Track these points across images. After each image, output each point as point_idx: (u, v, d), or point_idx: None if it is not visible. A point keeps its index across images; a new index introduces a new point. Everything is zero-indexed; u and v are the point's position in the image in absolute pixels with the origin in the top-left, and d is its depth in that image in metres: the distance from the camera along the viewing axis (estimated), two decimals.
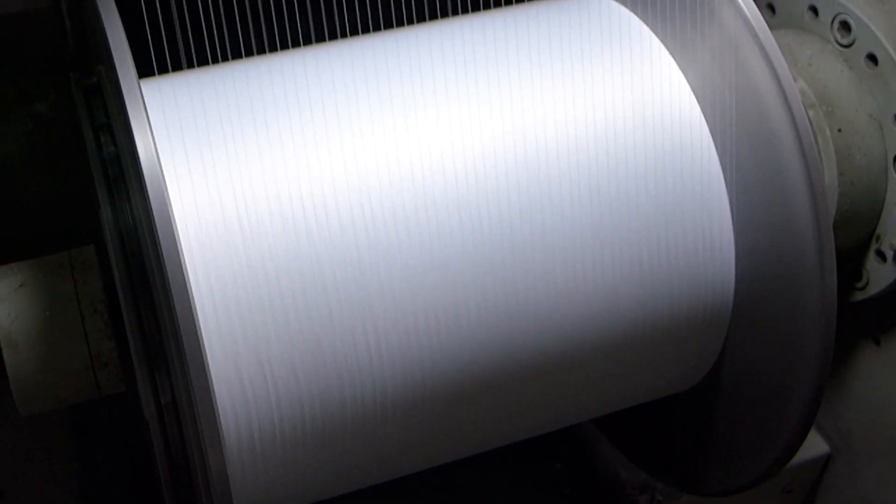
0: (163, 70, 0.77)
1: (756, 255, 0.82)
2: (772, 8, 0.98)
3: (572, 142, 0.76)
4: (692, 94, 0.81)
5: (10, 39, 1.06)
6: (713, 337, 0.85)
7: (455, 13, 0.89)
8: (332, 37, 0.85)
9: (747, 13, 0.78)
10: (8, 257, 1.07)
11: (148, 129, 0.67)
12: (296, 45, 0.85)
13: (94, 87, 0.81)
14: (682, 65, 0.82)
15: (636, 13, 0.85)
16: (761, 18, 0.78)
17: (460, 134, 0.75)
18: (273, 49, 0.86)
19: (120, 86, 0.69)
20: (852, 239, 0.93)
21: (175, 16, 0.79)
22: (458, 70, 0.79)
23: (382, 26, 0.86)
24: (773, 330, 0.83)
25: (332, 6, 0.86)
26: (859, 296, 0.97)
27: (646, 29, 0.83)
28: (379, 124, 0.76)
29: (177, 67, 0.78)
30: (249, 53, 0.85)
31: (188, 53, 0.79)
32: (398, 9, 0.85)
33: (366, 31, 0.85)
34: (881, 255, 0.94)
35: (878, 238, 0.94)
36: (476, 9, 0.88)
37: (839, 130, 0.89)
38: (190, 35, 0.78)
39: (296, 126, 0.75)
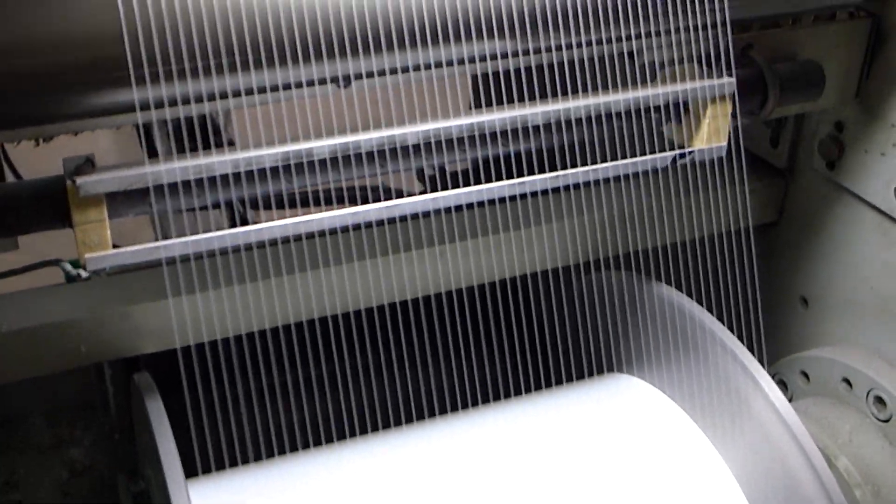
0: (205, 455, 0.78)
1: None
2: (806, 375, 0.99)
3: None
4: (740, 490, 0.81)
5: (47, 391, 1.08)
6: None
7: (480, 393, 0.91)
8: (374, 427, 0.87)
9: (779, 407, 0.79)
10: None
11: None
12: (340, 436, 0.86)
13: (142, 493, 0.82)
14: (725, 457, 0.82)
15: (682, 406, 0.86)
16: (792, 411, 0.79)
17: None
18: (316, 436, 0.87)
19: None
20: None
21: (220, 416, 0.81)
22: (505, 476, 0.80)
23: (409, 418, 0.87)
24: None
25: (375, 391, 0.88)
26: None
27: (689, 420, 0.84)
28: None
29: (219, 453, 0.80)
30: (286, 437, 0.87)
31: (234, 449, 0.81)
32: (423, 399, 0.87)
33: (392, 422, 0.87)
34: None
35: None
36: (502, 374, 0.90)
37: None
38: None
39: None
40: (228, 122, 1.19)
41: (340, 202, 1.11)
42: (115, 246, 0.67)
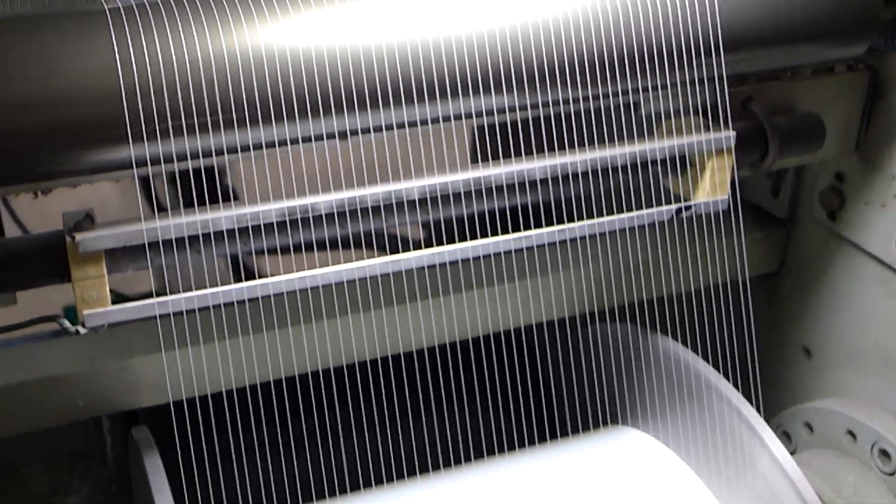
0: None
1: None
2: (809, 427, 0.98)
3: None
4: None
5: (45, 440, 1.06)
6: None
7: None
8: (376, 480, 0.86)
9: (782, 462, 0.78)
10: None
11: None
12: (341, 490, 0.85)
13: None
14: None
15: (685, 460, 0.85)
16: (796, 466, 0.78)
17: None
18: (317, 490, 0.86)
19: None
20: None
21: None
22: None
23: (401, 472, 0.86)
24: None
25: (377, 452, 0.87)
26: None
27: (693, 474, 0.84)
28: None
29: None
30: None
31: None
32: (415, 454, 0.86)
33: (393, 475, 0.86)
34: None
35: None
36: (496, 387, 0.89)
37: None
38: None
39: None
40: (226, 173, 1.19)
41: (341, 247, 1.11)
42: (113, 292, 0.66)
